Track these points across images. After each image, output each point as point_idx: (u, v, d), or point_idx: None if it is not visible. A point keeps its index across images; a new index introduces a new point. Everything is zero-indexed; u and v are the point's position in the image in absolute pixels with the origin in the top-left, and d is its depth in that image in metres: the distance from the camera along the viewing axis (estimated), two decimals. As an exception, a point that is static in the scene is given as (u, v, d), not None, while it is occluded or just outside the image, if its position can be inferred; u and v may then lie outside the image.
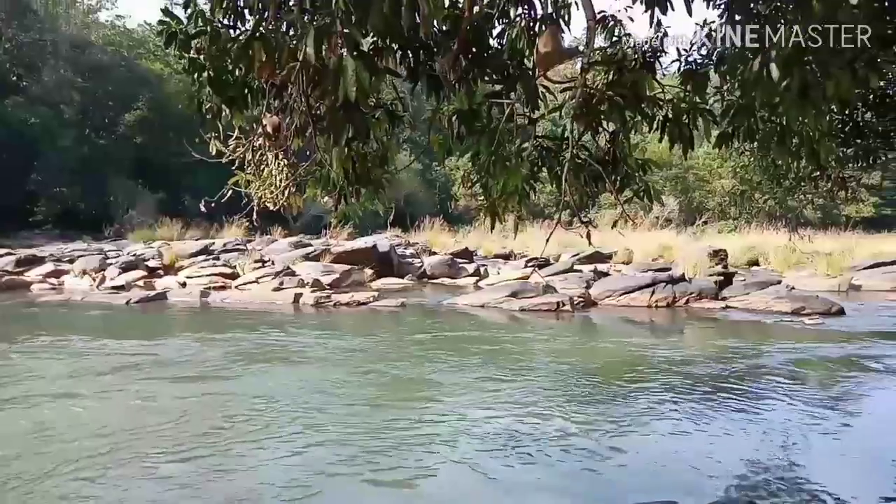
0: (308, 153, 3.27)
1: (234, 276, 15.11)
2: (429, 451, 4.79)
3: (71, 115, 29.17)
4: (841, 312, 11.59)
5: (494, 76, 3.31)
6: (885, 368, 7.48)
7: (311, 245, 18.38)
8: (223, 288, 14.37)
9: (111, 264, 15.76)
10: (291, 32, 2.74)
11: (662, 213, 32.27)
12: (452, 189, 36.13)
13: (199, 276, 15.06)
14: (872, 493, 4.12)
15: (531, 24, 3.34)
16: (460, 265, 18.17)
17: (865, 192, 34.27)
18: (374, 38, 2.85)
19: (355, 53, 2.34)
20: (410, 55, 3.07)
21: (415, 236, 24.52)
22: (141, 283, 14.83)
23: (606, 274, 15.80)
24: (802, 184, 6.79)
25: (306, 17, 2.52)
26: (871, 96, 5.72)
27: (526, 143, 3.41)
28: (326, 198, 3.50)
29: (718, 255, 17.02)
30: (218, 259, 16.60)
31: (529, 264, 17.35)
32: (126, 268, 15.54)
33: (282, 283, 13.94)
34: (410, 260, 18.85)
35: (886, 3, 4.13)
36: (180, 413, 5.57)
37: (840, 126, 5.72)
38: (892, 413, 6.12)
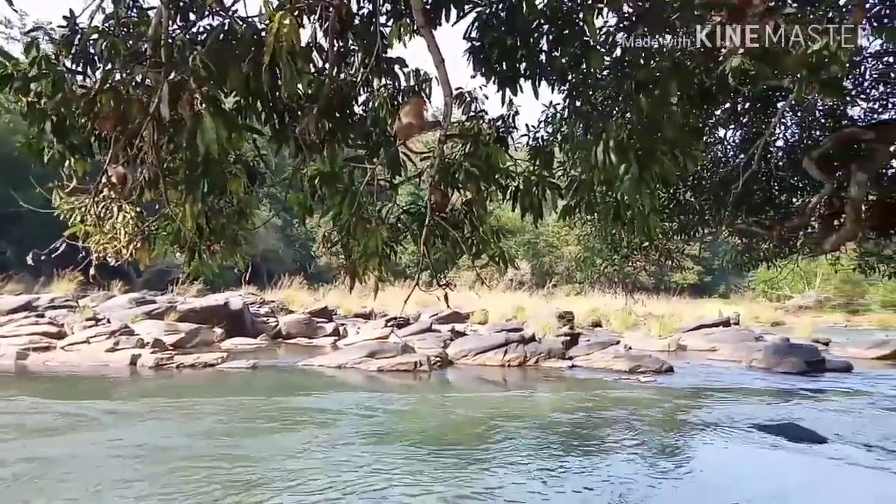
0: (157, 206, 3.11)
1: (60, 336, 13.56)
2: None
3: None
4: (670, 370, 12.74)
5: (358, 141, 3.40)
6: (705, 422, 8.27)
7: (154, 302, 17.04)
8: (47, 349, 12.83)
9: None
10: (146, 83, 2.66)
11: (516, 275, 33.98)
12: (313, 247, 35.53)
13: (16, 336, 13.33)
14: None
15: (395, 94, 3.50)
16: (318, 325, 17.73)
17: (690, 262, 38.54)
18: (237, 97, 2.84)
19: (214, 110, 2.31)
20: (275, 116, 3.07)
21: (272, 294, 23.64)
22: (-59, 343, 12.85)
23: (463, 334, 16.18)
24: (635, 253, 7.55)
25: (160, 72, 2.45)
26: (690, 179, 6.56)
27: (387, 206, 3.51)
28: (178, 253, 3.33)
29: (566, 317, 18.19)
30: (42, 316, 14.84)
31: (389, 324, 17.35)
32: (-78, 326, 13.41)
33: (117, 343, 12.73)
34: (266, 319, 18.10)
35: (699, 100, 4.82)
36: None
37: (665, 204, 6.47)
38: (715, 461, 6.74)
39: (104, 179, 2.98)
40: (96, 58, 2.80)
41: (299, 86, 2.85)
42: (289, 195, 3.34)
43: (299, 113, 2.98)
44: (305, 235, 36.83)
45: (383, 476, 5.63)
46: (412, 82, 3.39)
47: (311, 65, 2.87)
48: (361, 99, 3.40)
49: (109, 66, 2.66)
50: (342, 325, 18.58)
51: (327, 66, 2.98)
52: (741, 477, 6.09)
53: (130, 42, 2.88)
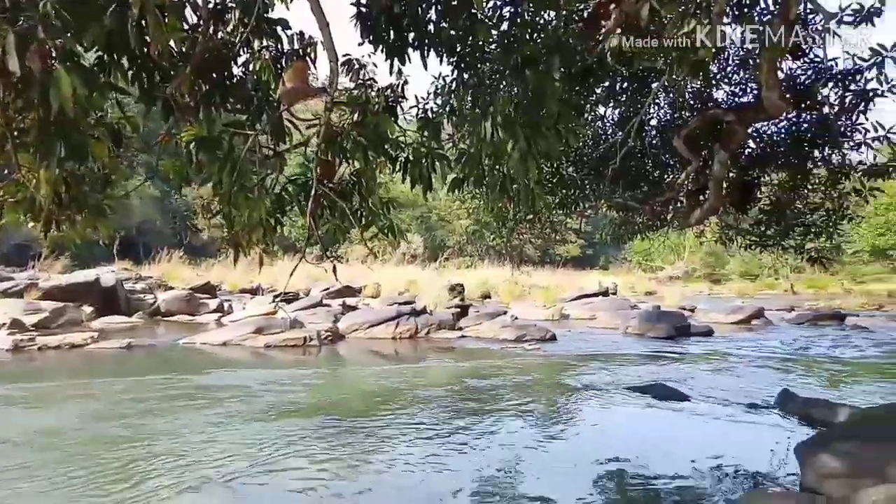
0: (7, 171, 2.80)
1: None
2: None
3: None
4: (554, 338, 13.38)
5: (237, 105, 3.23)
6: (585, 384, 8.78)
7: (12, 279, 15.54)
8: None
9: None
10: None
11: (409, 249, 34.14)
12: (195, 219, 33.65)
13: None
14: (575, 493, 4.77)
15: (278, 57, 3.34)
16: (201, 301, 16.91)
17: (573, 235, 40.53)
18: (98, 51, 2.59)
19: (70, 65, 2.09)
20: (144, 74, 2.83)
21: (149, 269, 22.27)
22: None
23: (355, 308, 16.08)
24: (521, 225, 7.79)
25: (5, 19, 2.18)
26: (572, 154, 6.83)
27: (271, 175, 3.37)
28: (32, 223, 3.02)
29: (456, 289, 18.57)
30: None
31: (277, 299, 16.87)
32: None
33: (-32, 325, 11.51)
34: (142, 296, 17.00)
35: (580, 78, 5.00)
36: None
37: (549, 178, 6.70)
38: (594, 420, 7.17)
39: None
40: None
41: (171, 43, 2.65)
42: (163, 162, 3.13)
43: (171, 72, 2.77)
44: (186, 207, 34.81)
45: (276, 452, 5.52)
46: (296, 45, 3.25)
47: (183, 20, 2.68)
48: (241, 60, 3.22)
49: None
50: (227, 301, 17.86)
51: (202, 22, 2.78)
52: (616, 434, 6.54)
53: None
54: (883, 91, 5.24)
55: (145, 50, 2.47)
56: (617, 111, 6.82)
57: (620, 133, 6.18)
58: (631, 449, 5.74)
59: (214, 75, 2.92)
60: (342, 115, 3.69)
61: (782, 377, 9.55)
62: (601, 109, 6.84)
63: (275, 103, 3.22)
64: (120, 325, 14.00)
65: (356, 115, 3.40)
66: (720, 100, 6.54)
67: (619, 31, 3.72)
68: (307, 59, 3.21)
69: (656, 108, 6.81)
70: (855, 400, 7.78)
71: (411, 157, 3.49)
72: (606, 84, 6.11)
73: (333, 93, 3.16)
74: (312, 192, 3.23)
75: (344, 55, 3.53)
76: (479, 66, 4.45)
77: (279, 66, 3.17)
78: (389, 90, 3.95)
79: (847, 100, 5.56)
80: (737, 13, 4.59)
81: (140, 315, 15.40)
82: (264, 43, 3.11)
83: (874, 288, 33.05)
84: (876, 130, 5.43)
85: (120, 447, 5.58)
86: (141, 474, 4.92)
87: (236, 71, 3.16)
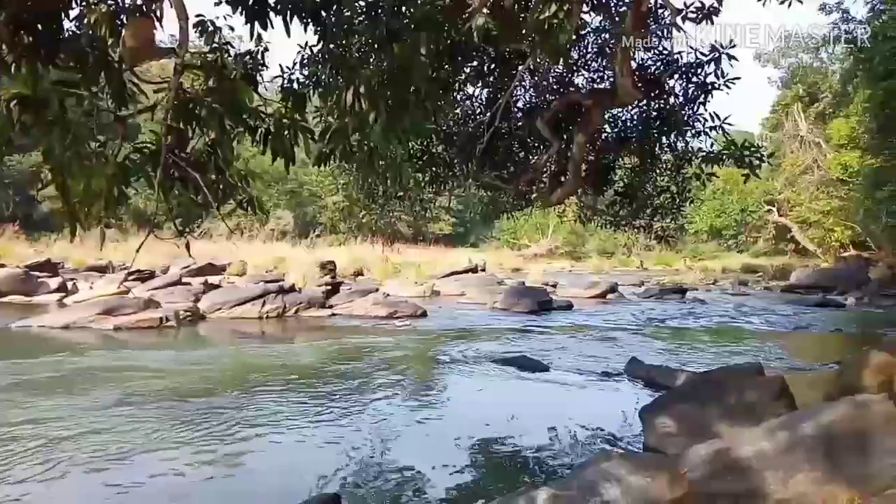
0: None
1: None
2: None
3: None
4: (424, 314, 13.59)
5: (69, 63, 2.89)
6: (453, 358, 9.02)
7: None
8: None
9: None
10: None
11: (278, 225, 33.05)
12: (33, 189, 30.23)
13: None
14: (444, 462, 4.88)
15: (117, 11, 3.02)
16: (40, 280, 15.28)
17: (444, 213, 41.23)
18: None
19: None
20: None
21: (-26, 245, 19.78)
22: None
23: (218, 286, 15.29)
24: (391, 202, 7.77)
25: None
26: (441, 132, 6.88)
27: (113, 141, 3.08)
28: None
29: (327, 267, 18.21)
30: None
31: (129, 277, 15.63)
32: None
33: None
34: (-34, 275, 15.06)
35: (448, 55, 5.03)
36: None
37: (419, 155, 6.71)
38: (460, 392, 7.39)
39: None
40: None
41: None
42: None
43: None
44: (22, 176, 31.14)
45: (127, 439, 5.14)
46: (139, 1, 2.96)
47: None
48: (74, 13, 2.88)
49: None
50: (72, 279, 16.29)
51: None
52: (483, 404, 6.80)
53: None
54: (719, 84, 5.77)
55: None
56: (485, 91, 6.95)
57: (488, 113, 6.31)
58: (496, 418, 5.98)
59: (40, 27, 2.58)
60: (196, 81, 3.44)
61: (632, 346, 10.36)
62: (470, 89, 6.94)
63: (115, 63, 2.92)
64: (-63, 309, 12.35)
65: (211, 81, 3.19)
66: (580, 85, 6.86)
67: (485, 10, 3.76)
68: (152, 15, 2.94)
69: (522, 90, 7.02)
70: (692, 365, 8.63)
71: (272, 129, 3.33)
72: (475, 64, 6.20)
73: (183, 55, 2.92)
74: (161, 161, 2.99)
75: (197, 15, 3.27)
76: (346, 37, 4.32)
77: (119, 21, 2.86)
78: (248, 56, 3.73)
79: (690, 91, 6.05)
80: (595, 2, 4.82)
81: (-36, 297, 13.68)
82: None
83: (710, 264, 36.78)
84: (713, 120, 5.98)
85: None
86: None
87: (68, 25, 2.83)
